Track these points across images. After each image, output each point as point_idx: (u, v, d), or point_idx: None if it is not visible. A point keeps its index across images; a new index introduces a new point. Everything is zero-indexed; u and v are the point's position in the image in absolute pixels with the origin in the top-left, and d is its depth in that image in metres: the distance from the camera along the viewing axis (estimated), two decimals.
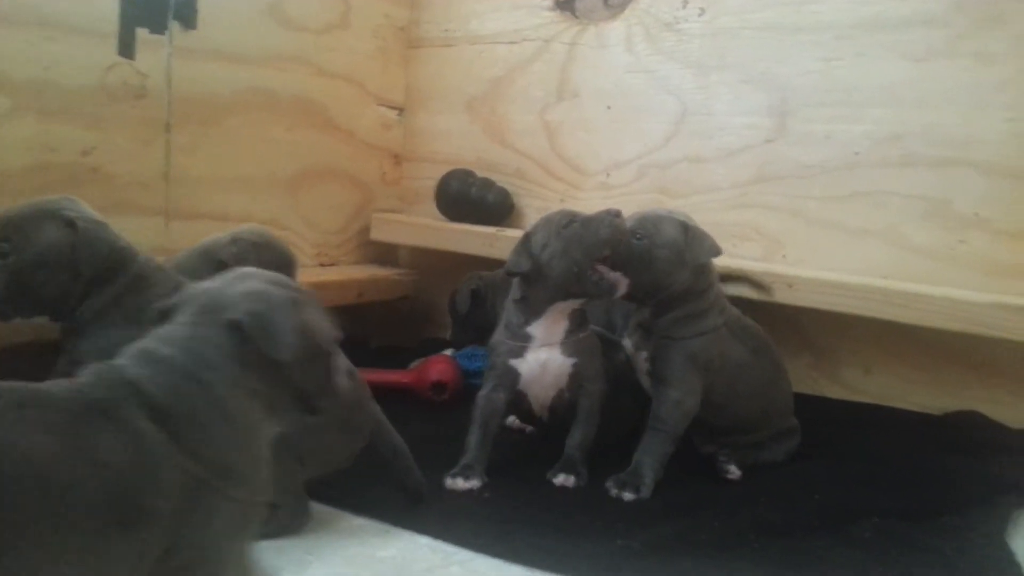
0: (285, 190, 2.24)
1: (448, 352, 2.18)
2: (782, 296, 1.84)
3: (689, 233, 1.59)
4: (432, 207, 2.46)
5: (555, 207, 2.33)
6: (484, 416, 1.56)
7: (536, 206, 2.40)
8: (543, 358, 1.57)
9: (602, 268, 1.51)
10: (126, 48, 1.82)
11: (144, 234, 1.77)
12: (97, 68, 1.78)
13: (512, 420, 1.82)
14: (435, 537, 1.30)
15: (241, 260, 1.47)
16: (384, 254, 2.55)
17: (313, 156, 2.31)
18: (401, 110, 2.60)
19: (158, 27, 1.88)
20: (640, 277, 1.56)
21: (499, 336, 1.62)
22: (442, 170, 2.45)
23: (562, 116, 2.36)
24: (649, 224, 1.60)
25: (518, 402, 1.62)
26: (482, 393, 1.59)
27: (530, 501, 1.45)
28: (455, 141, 2.55)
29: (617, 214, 1.51)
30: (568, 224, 1.53)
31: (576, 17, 2.35)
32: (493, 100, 2.47)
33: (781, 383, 1.71)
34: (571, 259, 1.50)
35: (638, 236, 1.58)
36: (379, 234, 2.46)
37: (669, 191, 2.19)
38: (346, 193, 2.45)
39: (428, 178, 2.50)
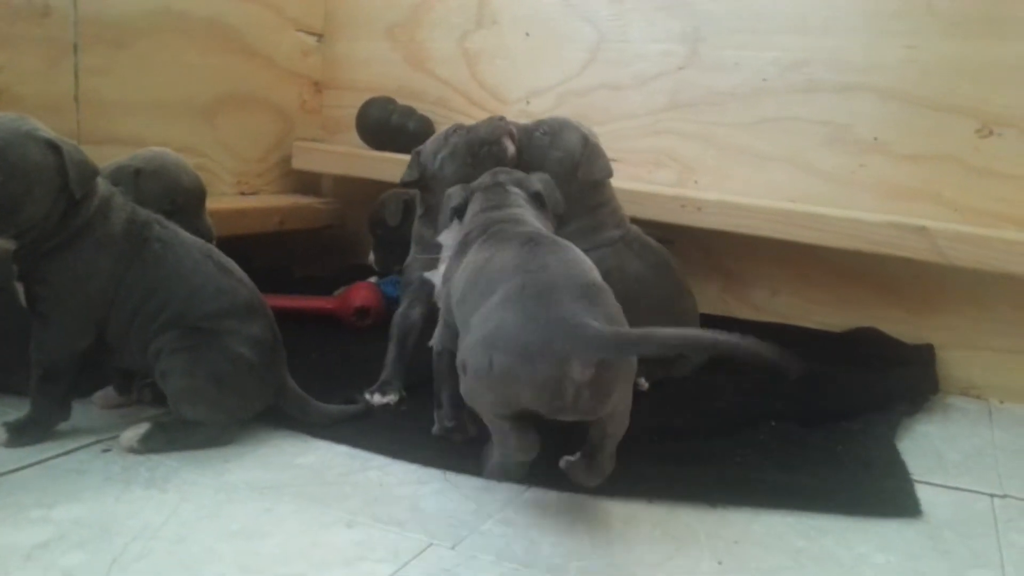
0: (202, 116, 2.20)
1: (372, 279, 2.20)
2: (692, 219, 1.91)
3: (587, 148, 1.65)
4: (354, 136, 2.45)
5: None
6: (401, 333, 1.60)
7: None
8: None
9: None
10: None
11: None
12: None
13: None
14: (353, 445, 1.35)
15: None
16: (307, 183, 2.54)
17: (230, 82, 2.27)
18: (320, 36, 2.56)
19: None
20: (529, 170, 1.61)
21: (411, 255, 1.65)
22: (363, 98, 2.43)
23: (481, 43, 2.36)
24: (556, 125, 1.68)
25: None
26: (399, 311, 1.63)
27: None
28: (376, 68, 2.53)
29: (501, 118, 1.61)
30: (455, 131, 1.63)
31: None
32: (413, 27, 2.45)
33: (683, 300, 1.77)
34: (459, 157, 1.59)
35: (542, 131, 1.66)
36: (300, 163, 2.45)
37: (588, 118, 2.18)
38: (266, 121, 2.42)
39: (349, 106, 2.48)
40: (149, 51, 2.03)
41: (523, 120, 2.21)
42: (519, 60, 2.31)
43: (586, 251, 1.55)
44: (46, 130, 1.24)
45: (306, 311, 2.03)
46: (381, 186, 2.30)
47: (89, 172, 1.26)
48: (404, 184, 1.65)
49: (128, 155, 1.55)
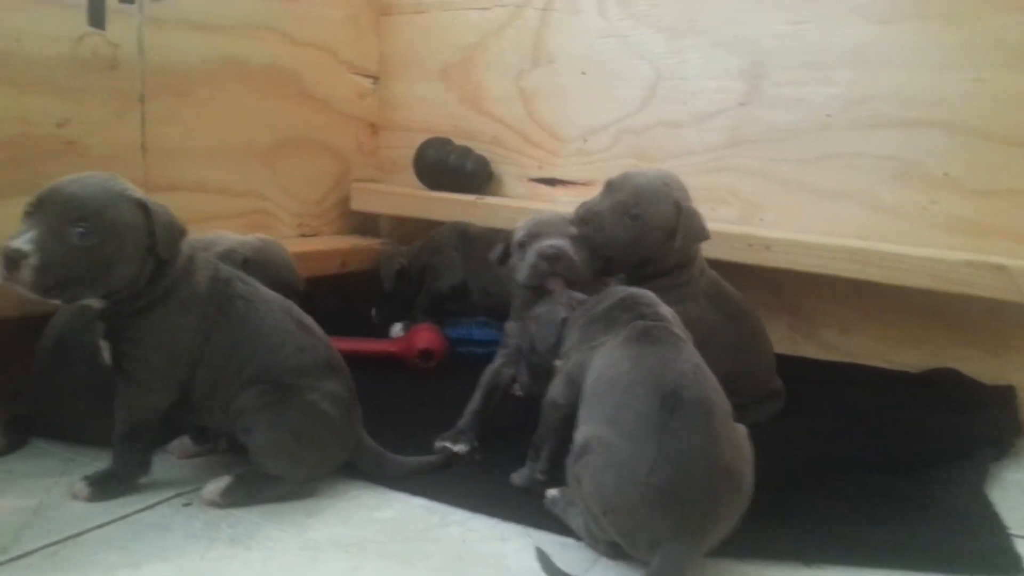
0: (262, 160, 2.23)
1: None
2: (760, 258, 1.88)
3: (682, 215, 1.59)
4: (410, 176, 2.47)
5: (533, 174, 2.39)
6: (489, 387, 1.59)
7: (514, 173, 2.41)
8: None
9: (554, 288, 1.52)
10: (96, 18, 1.79)
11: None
12: (68, 39, 1.75)
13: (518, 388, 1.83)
14: (430, 498, 1.33)
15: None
16: (364, 224, 2.55)
17: (289, 126, 2.30)
18: (376, 79, 2.58)
19: None
20: (627, 253, 1.58)
21: (511, 320, 1.66)
22: (419, 139, 2.46)
23: (537, 82, 2.36)
24: (645, 202, 1.59)
25: None
26: (492, 367, 1.62)
27: (523, 464, 1.46)
28: (431, 109, 2.54)
29: (549, 256, 1.51)
30: (522, 244, 1.58)
31: None
32: (467, 67, 2.47)
33: (759, 348, 1.73)
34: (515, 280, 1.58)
35: (632, 214, 1.58)
36: (359, 204, 2.47)
37: (645, 156, 2.21)
38: (324, 163, 2.44)
39: (405, 147, 2.51)
40: (210, 98, 2.07)
41: (584, 161, 2.25)
42: (575, 98, 2.31)
43: (672, 305, 1.49)
44: (136, 190, 1.25)
45: (369, 354, 2.02)
46: (438, 226, 2.31)
47: (177, 233, 1.27)
48: (494, 261, 1.66)
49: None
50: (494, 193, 2.40)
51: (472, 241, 2.21)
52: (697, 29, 2.14)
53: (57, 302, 1.21)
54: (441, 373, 1.98)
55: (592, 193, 1.68)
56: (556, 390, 1.30)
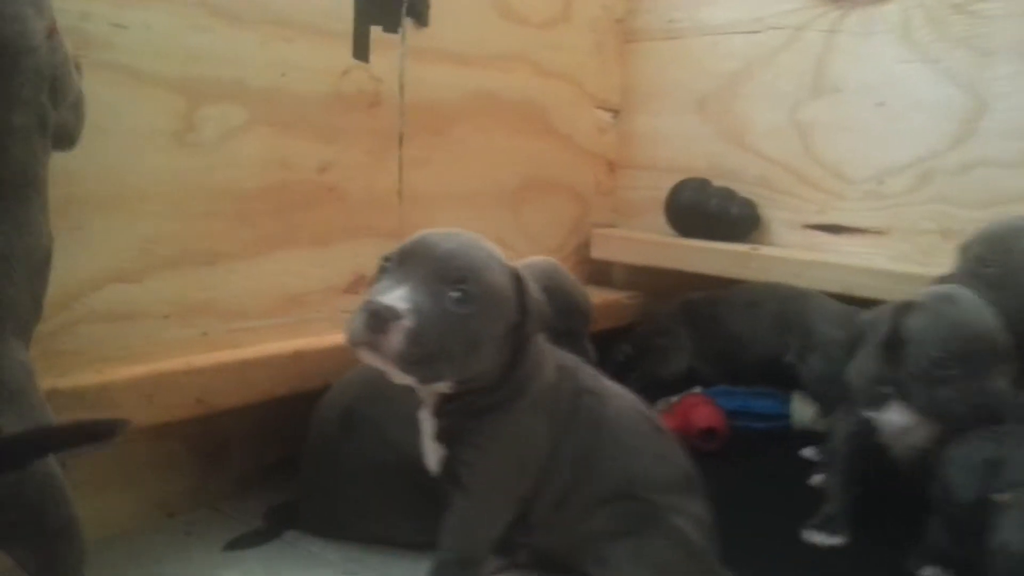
0: (508, 203, 2.00)
1: (697, 389, 1.91)
2: None
3: None
4: (649, 220, 2.20)
5: (811, 220, 2.06)
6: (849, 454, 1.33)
7: (785, 218, 2.09)
8: None
9: None
10: (361, 49, 1.61)
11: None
12: (332, 72, 1.56)
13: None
14: None
15: None
16: (599, 273, 2.29)
17: (533, 165, 2.07)
18: (616, 112, 2.33)
19: (392, 25, 1.66)
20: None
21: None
22: (662, 178, 2.18)
23: (818, 114, 2.04)
24: (1001, 248, 1.31)
25: None
26: (844, 427, 1.35)
27: None
28: (680, 145, 2.26)
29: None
30: (940, 365, 1.19)
31: (836, 0, 2.03)
32: (729, 98, 2.17)
33: None
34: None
35: (987, 263, 1.30)
36: (600, 251, 2.21)
37: (959, 201, 1.85)
38: (564, 206, 2.20)
39: (646, 188, 2.24)
40: (464, 137, 1.86)
41: (878, 206, 1.92)
42: (868, 133, 1.97)
43: None
44: (503, 255, 1.02)
45: None
46: (688, 278, 2.03)
47: (544, 312, 1.02)
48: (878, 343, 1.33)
49: None
50: (758, 241, 2.09)
51: (698, 307, 1.99)
52: None
53: (411, 382, 0.96)
54: (719, 455, 1.68)
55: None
56: (1014, 534, 0.98)
